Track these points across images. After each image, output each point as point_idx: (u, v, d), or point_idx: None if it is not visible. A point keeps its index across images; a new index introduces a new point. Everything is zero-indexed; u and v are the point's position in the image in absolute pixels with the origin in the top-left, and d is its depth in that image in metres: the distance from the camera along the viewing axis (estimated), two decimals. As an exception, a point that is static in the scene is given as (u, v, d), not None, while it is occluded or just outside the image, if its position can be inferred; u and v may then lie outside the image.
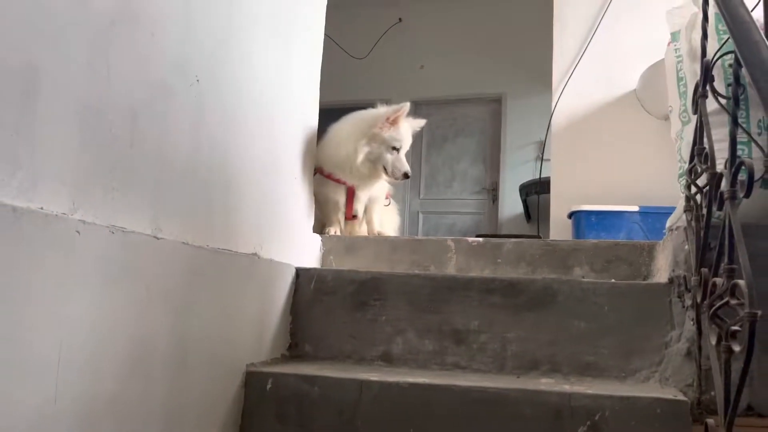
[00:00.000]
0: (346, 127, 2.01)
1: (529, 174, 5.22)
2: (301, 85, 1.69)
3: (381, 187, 2.14)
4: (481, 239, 1.75)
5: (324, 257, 1.79)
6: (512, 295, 1.32)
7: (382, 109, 2.00)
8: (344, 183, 1.99)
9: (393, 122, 1.95)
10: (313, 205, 1.83)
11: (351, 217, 2.13)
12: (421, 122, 2.08)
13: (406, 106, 1.96)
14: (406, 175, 1.99)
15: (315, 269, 1.51)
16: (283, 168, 1.57)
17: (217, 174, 1.14)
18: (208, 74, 1.09)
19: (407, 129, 2.02)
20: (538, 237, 2.67)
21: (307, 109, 1.76)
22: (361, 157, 1.93)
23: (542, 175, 3.32)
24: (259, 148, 1.38)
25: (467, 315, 1.33)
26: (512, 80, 5.60)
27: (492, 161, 5.74)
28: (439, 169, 5.82)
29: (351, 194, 2.04)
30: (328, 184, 1.99)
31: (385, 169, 1.97)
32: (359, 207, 2.12)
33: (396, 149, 1.97)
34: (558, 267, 1.64)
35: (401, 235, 2.41)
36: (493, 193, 5.62)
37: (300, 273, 1.48)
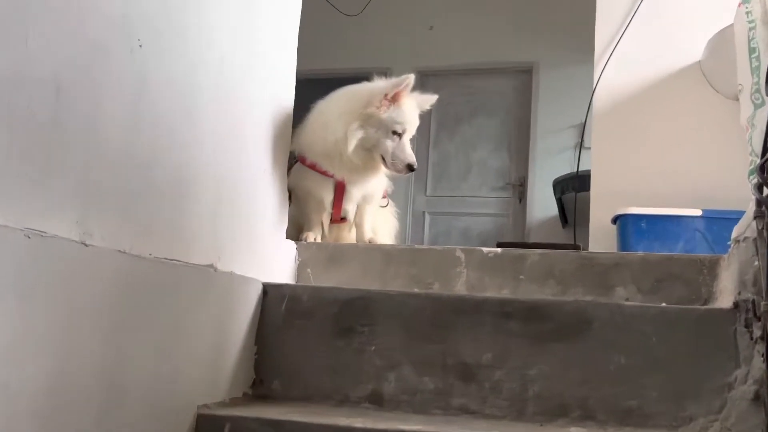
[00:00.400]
0: (335, 105, 1.96)
1: (565, 166, 5.15)
2: (273, 51, 1.66)
3: (378, 182, 2.10)
4: (498, 250, 1.75)
5: (299, 270, 1.79)
6: (536, 321, 1.31)
7: (380, 83, 1.94)
8: (332, 176, 1.96)
9: (394, 99, 1.90)
10: (287, 204, 1.80)
11: (339, 219, 2.10)
12: (430, 99, 2.02)
13: (411, 78, 1.91)
14: (410, 167, 1.92)
15: (287, 285, 1.51)
16: (250, 157, 1.56)
17: (164, 164, 1.13)
18: (153, 37, 1.08)
19: (412, 108, 1.97)
20: (576, 247, 2.68)
21: (280, 82, 1.73)
22: (353, 143, 1.88)
23: (582, 168, 3.32)
24: (219, 132, 1.37)
25: (478, 345, 1.31)
26: (546, 46, 5.48)
27: (519, 149, 5.63)
28: (452, 158, 5.75)
29: (340, 190, 2.01)
30: (311, 177, 1.97)
31: (383, 159, 1.91)
32: (349, 207, 2.08)
33: (397, 134, 1.92)
34: (596, 286, 1.64)
35: (400, 243, 2.44)
36: (519, 189, 5.54)
37: (268, 290, 1.47)
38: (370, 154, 1.94)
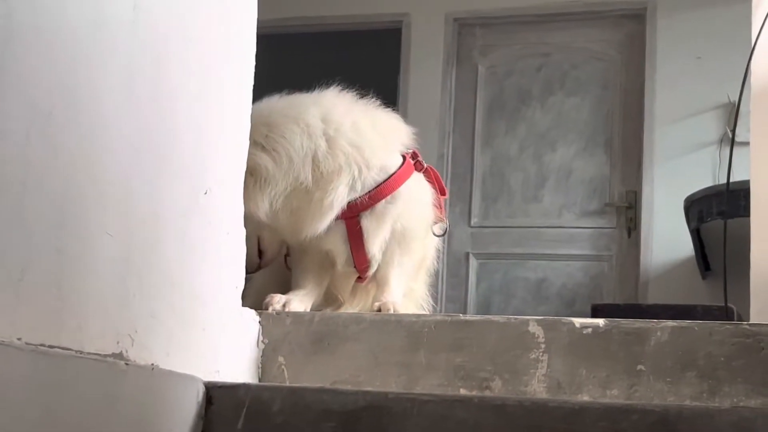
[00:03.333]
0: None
1: (704, 175, 4.75)
2: None
3: (405, 201, 2.10)
4: (600, 322, 1.71)
5: (266, 360, 1.79)
6: (670, 443, 1.20)
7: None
8: (340, 216, 2.03)
9: None
10: (243, 245, 1.80)
11: (365, 276, 2.15)
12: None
13: None
14: None
15: (245, 386, 1.48)
16: (182, 167, 1.54)
17: (38, 178, 1.14)
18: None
19: None
20: (728, 314, 2.61)
21: (234, 42, 1.77)
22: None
23: (734, 179, 3.29)
24: (132, 125, 1.34)
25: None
26: None
27: (626, 147, 5.22)
28: (513, 165, 5.34)
29: (356, 235, 2.08)
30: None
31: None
32: (376, 250, 2.12)
33: None
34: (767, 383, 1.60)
35: (427, 308, 2.33)
36: (628, 214, 5.19)
37: (214, 395, 1.45)
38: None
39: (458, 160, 5.19)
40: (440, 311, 5.19)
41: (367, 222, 2.05)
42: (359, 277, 2.14)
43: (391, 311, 2.00)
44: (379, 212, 2.06)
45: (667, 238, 4.87)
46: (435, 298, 5.29)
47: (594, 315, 3.52)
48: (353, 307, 2.15)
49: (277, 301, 1.98)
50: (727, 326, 1.65)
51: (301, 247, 2.07)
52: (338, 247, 2.07)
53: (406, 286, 2.18)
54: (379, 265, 2.13)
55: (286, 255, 2.13)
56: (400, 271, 2.15)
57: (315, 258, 2.09)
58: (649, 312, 3.71)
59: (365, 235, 2.06)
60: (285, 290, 2.08)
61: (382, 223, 2.08)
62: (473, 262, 5.18)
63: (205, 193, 1.59)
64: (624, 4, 5.23)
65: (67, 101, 1.22)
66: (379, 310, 2.03)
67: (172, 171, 1.50)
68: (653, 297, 4.80)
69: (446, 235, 5.38)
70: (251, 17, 1.84)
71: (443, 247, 5.26)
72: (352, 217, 2.04)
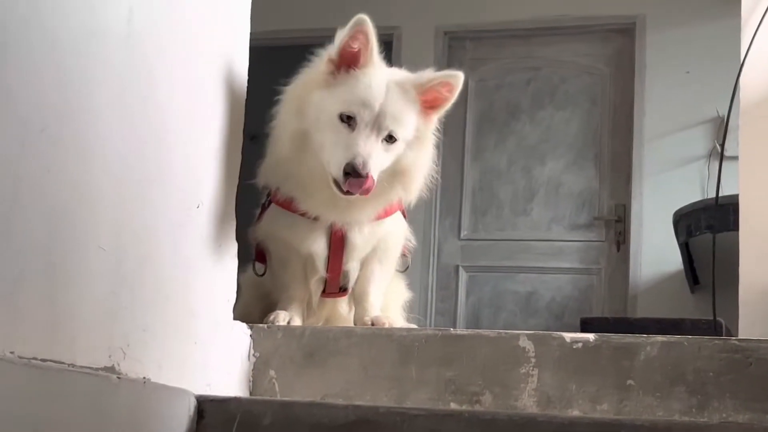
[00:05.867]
0: (289, 95, 2.01)
1: (693, 189, 4.80)
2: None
3: (394, 223, 2.10)
4: (591, 337, 1.72)
5: (257, 373, 1.80)
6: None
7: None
8: (315, 218, 2.01)
9: (346, 63, 1.90)
10: (235, 260, 1.81)
11: (337, 290, 2.15)
12: (434, 77, 1.99)
13: (364, 22, 1.88)
14: (359, 184, 1.82)
15: (236, 400, 1.49)
16: (174, 180, 1.55)
17: (29, 194, 1.16)
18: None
19: (380, 81, 1.92)
20: (716, 328, 2.60)
21: (226, 57, 1.76)
22: (285, 141, 1.93)
23: (723, 193, 3.30)
24: (125, 139, 1.36)
25: None
26: None
27: (615, 160, 5.27)
28: (503, 178, 5.39)
29: (338, 243, 2.05)
30: (290, 222, 2.04)
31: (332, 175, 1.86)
32: (352, 268, 2.12)
33: (348, 120, 1.87)
34: (756, 399, 1.63)
35: (414, 320, 2.36)
36: (617, 228, 5.22)
37: (205, 408, 1.46)
38: (308, 159, 1.94)
39: (448, 173, 5.18)
40: (430, 324, 5.20)
41: (354, 236, 2.06)
42: (324, 291, 2.14)
43: (386, 326, 2.02)
44: (368, 230, 2.09)
45: (656, 251, 4.89)
46: (424, 311, 5.27)
47: (583, 328, 3.52)
48: (319, 319, 2.17)
49: (283, 318, 1.99)
50: (716, 341, 1.67)
51: (281, 256, 2.08)
52: (319, 254, 2.06)
53: (381, 296, 2.19)
54: (358, 280, 2.15)
55: (254, 261, 2.07)
56: (375, 285, 2.15)
57: (297, 267, 2.08)
58: (638, 325, 3.71)
59: (349, 248, 2.07)
60: (267, 302, 2.11)
61: (370, 240, 2.10)
62: (463, 275, 5.18)
63: (198, 206, 1.60)
64: (613, 19, 5.26)
65: (59, 117, 1.23)
66: (373, 324, 2.04)
67: (164, 185, 1.51)
68: (642, 310, 4.81)
69: (436, 248, 5.38)
70: (244, 31, 1.86)
71: (433, 260, 5.27)
72: (339, 231, 2.06)
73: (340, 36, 1.86)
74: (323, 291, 2.13)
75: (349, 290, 2.14)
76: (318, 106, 1.88)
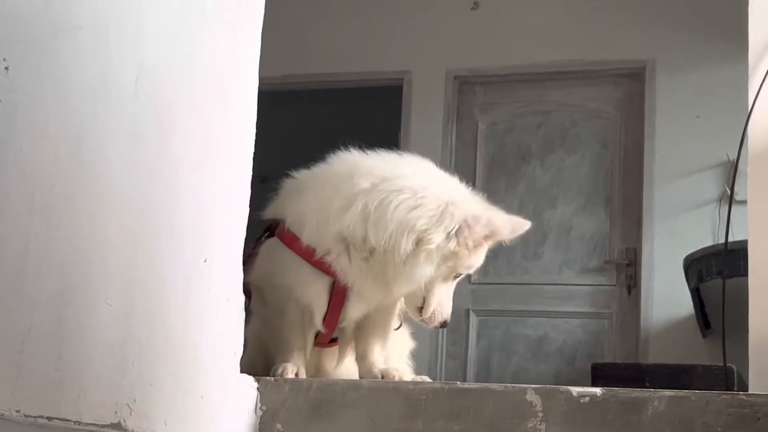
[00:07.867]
0: (412, 179, 2.05)
1: (704, 234, 4.79)
2: (218, 34, 1.70)
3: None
4: (598, 391, 1.69)
5: (264, 427, 1.77)
6: None
7: (475, 206, 2.13)
8: (331, 272, 2.01)
9: (478, 243, 2.04)
10: (242, 313, 1.78)
11: (328, 340, 2.16)
12: (517, 225, 2.19)
13: (523, 226, 2.10)
14: (443, 324, 2.18)
15: (244, 455, 1.36)
16: (183, 234, 1.56)
17: (38, 250, 1.18)
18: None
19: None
20: (725, 372, 2.58)
21: (235, 110, 1.78)
22: (426, 266, 2.00)
23: (733, 238, 3.28)
24: (135, 192, 1.38)
25: None
26: (667, 34, 5.20)
27: (626, 205, 5.32)
28: None
29: (339, 295, 2.04)
30: (298, 268, 2.03)
31: (419, 308, 2.08)
32: (350, 318, 2.12)
33: (456, 278, 2.12)
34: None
35: (427, 366, 2.41)
36: (628, 272, 5.25)
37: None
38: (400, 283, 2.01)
39: (458, 215, 5.15)
40: (440, 368, 5.17)
41: (357, 292, 2.06)
42: (332, 340, 2.15)
43: (396, 378, 2.01)
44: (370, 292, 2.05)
45: (667, 295, 4.83)
46: (435, 355, 5.25)
47: (594, 374, 3.47)
48: (308, 369, 2.15)
49: (291, 370, 1.99)
50: (724, 396, 1.63)
51: (279, 305, 2.09)
52: (320, 307, 2.06)
53: (385, 349, 2.21)
54: (362, 333, 2.19)
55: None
56: (378, 341, 2.20)
57: (295, 317, 2.08)
58: (649, 371, 3.67)
59: (352, 299, 2.07)
60: (269, 354, 2.11)
61: (365, 301, 2.10)
62: (473, 319, 5.15)
63: (205, 260, 1.59)
64: (623, 64, 5.28)
65: (70, 173, 1.23)
66: (383, 377, 2.04)
67: (172, 238, 1.51)
68: (654, 355, 4.74)
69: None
70: (252, 83, 1.86)
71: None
72: (344, 288, 2.04)
73: (495, 226, 2.18)
74: (317, 339, 2.15)
75: (343, 341, 2.16)
76: (455, 264, 2.18)
